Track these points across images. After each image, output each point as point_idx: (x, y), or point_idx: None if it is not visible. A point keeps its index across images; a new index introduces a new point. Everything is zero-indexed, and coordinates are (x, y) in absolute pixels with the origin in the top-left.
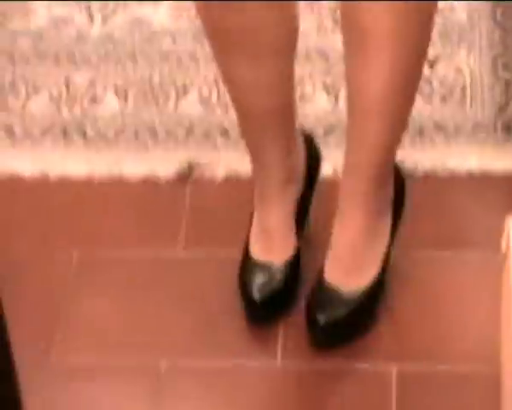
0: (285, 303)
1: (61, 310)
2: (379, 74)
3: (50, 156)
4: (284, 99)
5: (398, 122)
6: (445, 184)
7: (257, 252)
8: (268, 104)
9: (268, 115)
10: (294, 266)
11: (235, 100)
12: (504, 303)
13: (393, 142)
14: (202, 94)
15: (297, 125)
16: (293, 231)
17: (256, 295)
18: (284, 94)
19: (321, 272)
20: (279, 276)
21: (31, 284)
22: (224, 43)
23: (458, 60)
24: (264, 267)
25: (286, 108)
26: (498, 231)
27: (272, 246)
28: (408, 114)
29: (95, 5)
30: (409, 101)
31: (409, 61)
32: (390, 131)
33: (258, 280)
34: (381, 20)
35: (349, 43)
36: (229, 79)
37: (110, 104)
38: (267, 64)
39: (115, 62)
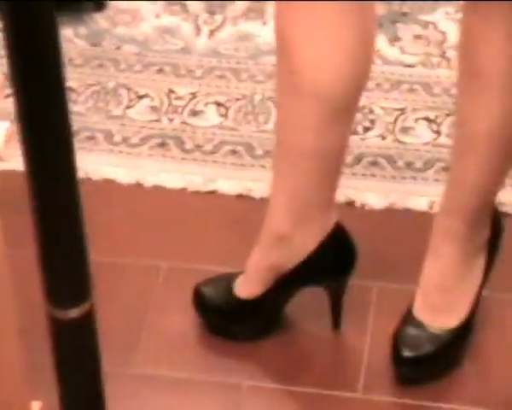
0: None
1: (146, 319)
2: (488, 113)
3: (147, 165)
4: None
5: (502, 164)
6: None
7: None
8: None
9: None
10: None
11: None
12: None
13: (496, 184)
14: None
15: None
16: None
17: None
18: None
19: (410, 307)
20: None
21: (120, 289)
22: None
23: None
24: None
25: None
26: None
27: None
28: (510, 166)
29: (202, 17)
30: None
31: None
32: (494, 172)
33: None
34: (497, 60)
35: (463, 80)
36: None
37: (210, 118)
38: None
39: (219, 77)
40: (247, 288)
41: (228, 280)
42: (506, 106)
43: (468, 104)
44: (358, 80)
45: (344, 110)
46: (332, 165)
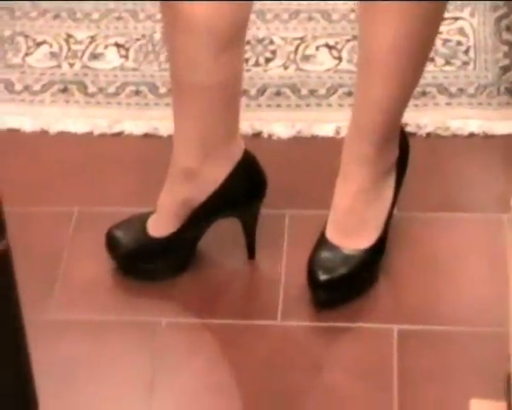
0: None
1: (60, 267)
2: (388, 28)
3: (50, 112)
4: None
5: (406, 81)
6: (447, 145)
7: None
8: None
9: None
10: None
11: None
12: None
13: (399, 104)
14: None
15: None
16: None
17: None
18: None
19: (323, 231)
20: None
21: (32, 237)
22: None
23: (462, 21)
24: None
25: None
26: (498, 192)
27: None
28: (415, 79)
29: None
30: (416, 65)
31: (415, 23)
32: (398, 89)
33: None
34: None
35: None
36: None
37: (111, 60)
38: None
39: (116, 18)
40: (160, 227)
41: (141, 221)
42: (406, 20)
43: (368, 22)
44: (239, 12)
45: (229, 41)
46: (229, 96)
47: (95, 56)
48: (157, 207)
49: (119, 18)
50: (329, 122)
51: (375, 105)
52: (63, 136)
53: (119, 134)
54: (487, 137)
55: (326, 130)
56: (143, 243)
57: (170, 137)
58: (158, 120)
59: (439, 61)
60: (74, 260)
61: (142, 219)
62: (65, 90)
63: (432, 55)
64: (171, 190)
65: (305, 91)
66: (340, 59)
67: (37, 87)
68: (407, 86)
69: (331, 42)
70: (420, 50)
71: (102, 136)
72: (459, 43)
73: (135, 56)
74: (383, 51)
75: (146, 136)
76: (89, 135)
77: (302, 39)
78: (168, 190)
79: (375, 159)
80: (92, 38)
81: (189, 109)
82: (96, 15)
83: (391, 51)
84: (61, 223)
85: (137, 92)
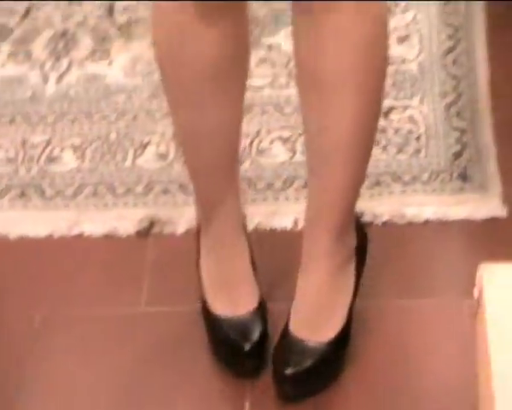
0: (263, 352)
1: (24, 371)
2: (336, 122)
3: (9, 217)
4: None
5: (356, 171)
6: (404, 232)
7: (220, 308)
8: (219, 150)
9: (219, 160)
10: (263, 314)
11: (187, 151)
12: (480, 350)
13: (353, 191)
14: (160, 150)
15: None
16: (255, 279)
17: (239, 351)
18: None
19: (286, 324)
20: (252, 328)
21: None
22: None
23: (412, 109)
24: (234, 324)
25: (235, 153)
26: (457, 276)
27: (237, 298)
28: (365, 163)
29: (48, 64)
30: (365, 150)
31: (364, 109)
32: (348, 182)
33: (235, 337)
34: (338, 68)
35: (306, 93)
36: (183, 126)
37: (68, 163)
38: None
39: (71, 121)
40: None
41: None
42: (349, 113)
43: (312, 117)
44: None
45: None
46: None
47: (51, 159)
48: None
49: (73, 120)
50: (287, 215)
51: (328, 193)
52: (23, 240)
53: (79, 236)
54: (443, 223)
55: (284, 222)
56: None
57: (129, 237)
58: (117, 219)
59: (392, 149)
60: (37, 364)
61: None
62: (22, 194)
63: (384, 143)
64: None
65: (261, 185)
66: (294, 151)
67: None
68: (359, 170)
69: (285, 135)
70: (368, 136)
71: (62, 238)
72: (410, 131)
73: (91, 157)
74: (330, 144)
75: (106, 237)
76: (49, 238)
77: (257, 133)
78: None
79: (333, 248)
80: (48, 142)
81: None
82: (51, 118)
83: (338, 144)
84: (24, 328)
85: (95, 193)
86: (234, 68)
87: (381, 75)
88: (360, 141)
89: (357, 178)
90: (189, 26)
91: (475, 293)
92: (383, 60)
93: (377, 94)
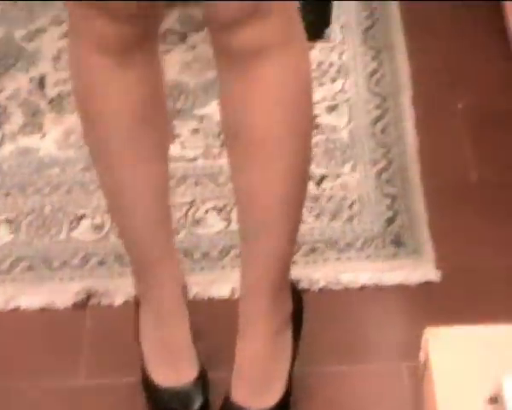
0: None
1: None
2: (265, 183)
3: None
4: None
5: (287, 237)
6: (340, 298)
7: (161, 378)
8: (148, 212)
9: (150, 224)
10: (205, 383)
11: (117, 216)
12: None
13: (285, 257)
14: (95, 222)
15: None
16: (195, 348)
17: None
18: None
19: (227, 392)
20: (193, 397)
21: None
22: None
23: (344, 177)
24: (175, 393)
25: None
26: (394, 340)
27: (178, 367)
28: (297, 226)
29: None
30: (296, 213)
31: (293, 169)
32: (280, 246)
33: (176, 407)
34: (264, 123)
35: (233, 154)
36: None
37: (2, 237)
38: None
39: (5, 194)
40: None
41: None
42: (277, 173)
43: (240, 180)
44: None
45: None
46: None
47: None
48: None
49: (7, 194)
50: (224, 283)
51: (261, 259)
52: None
53: (16, 310)
54: (378, 288)
55: (222, 291)
56: None
57: (66, 309)
58: (53, 292)
59: (325, 217)
60: None
61: None
62: None
63: (318, 211)
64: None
65: (197, 255)
66: (229, 220)
67: None
68: (290, 234)
69: (220, 204)
70: (298, 199)
71: None
72: (343, 198)
73: (26, 231)
74: (260, 211)
75: (43, 310)
76: None
77: (191, 204)
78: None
79: (270, 314)
80: None
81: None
82: None
83: (269, 204)
84: None
85: (31, 267)
86: (152, 112)
87: (308, 130)
88: (293, 203)
89: (290, 241)
90: (103, 72)
91: (421, 356)
92: (310, 113)
93: (304, 152)
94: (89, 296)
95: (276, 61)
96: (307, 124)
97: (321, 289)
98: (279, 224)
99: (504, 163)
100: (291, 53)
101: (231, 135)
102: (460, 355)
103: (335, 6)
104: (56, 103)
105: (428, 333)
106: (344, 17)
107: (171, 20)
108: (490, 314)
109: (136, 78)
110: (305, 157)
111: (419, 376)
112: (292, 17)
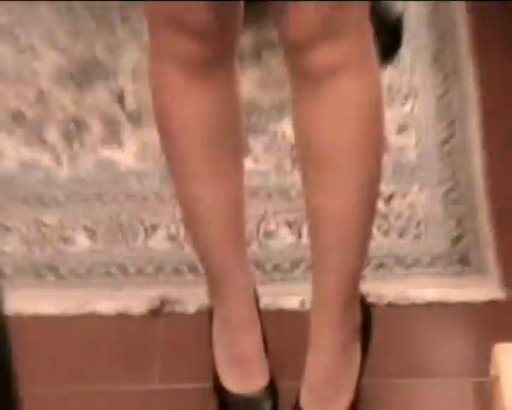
0: None
1: None
2: (336, 201)
3: (23, 295)
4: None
5: (358, 250)
6: (408, 313)
7: (232, 384)
8: (222, 224)
9: (224, 236)
10: (274, 391)
11: (192, 228)
12: None
13: (355, 271)
14: (170, 231)
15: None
16: (266, 356)
17: None
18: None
19: (296, 401)
20: (262, 405)
21: None
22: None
23: (411, 196)
24: (245, 400)
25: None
26: (458, 357)
27: (248, 374)
28: (367, 242)
29: (60, 147)
30: (365, 230)
31: (365, 190)
32: (351, 260)
33: None
34: (336, 139)
35: (305, 168)
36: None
37: (80, 243)
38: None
39: (84, 202)
40: None
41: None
42: (349, 190)
43: (312, 195)
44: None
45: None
46: None
47: (64, 240)
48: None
49: (85, 202)
50: (294, 295)
51: (332, 274)
52: (37, 318)
53: (92, 314)
54: (444, 305)
55: (291, 303)
56: None
57: (141, 315)
58: (128, 299)
59: (394, 234)
60: None
61: None
62: (37, 273)
63: (386, 228)
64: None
65: (268, 267)
66: (300, 234)
67: (8, 271)
68: (360, 248)
69: (291, 218)
70: (368, 214)
71: (75, 317)
72: (411, 216)
73: (103, 238)
74: (334, 220)
75: (118, 315)
76: (62, 316)
77: (263, 216)
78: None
79: (339, 326)
80: (60, 222)
81: None
82: (63, 200)
83: (341, 219)
84: (39, 404)
85: (107, 273)
86: (228, 129)
87: (378, 149)
88: (362, 221)
89: (360, 257)
90: (182, 88)
91: (492, 371)
92: (380, 132)
93: (376, 173)
94: (163, 303)
95: (348, 81)
96: (377, 143)
97: (389, 304)
98: (350, 239)
99: None
100: (363, 74)
101: (303, 151)
102: None
103: (406, 30)
104: (135, 116)
105: (499, 348)
106: (414, 41)
107: (247, 39)
108: None
109: (214, 95)
110: (374, 175)
111: (488, 390)
112: (364, 39)
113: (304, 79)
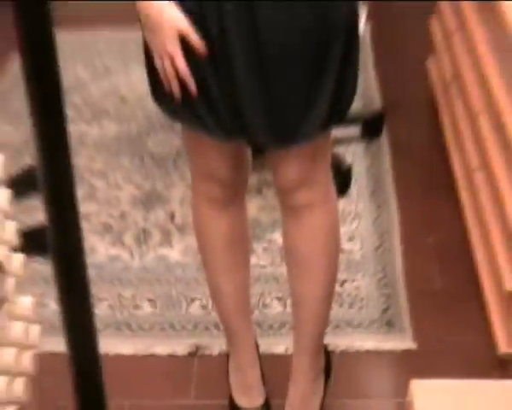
0: None
1: None
2: (310, 287)
3: (109, 342)
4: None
5: (323, 317)
6: (353, 358)
7: (241, 402)
8: (236, 300)
9: (237, 307)
10: (269, 407)
11: (217, 301)
12: None
13: (321, 330)
14: (202, 302)
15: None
16: (263, 383)
17: None
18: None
19: None
20: None
21: None
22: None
23: (357, 282)
24: None
25: (248, 302)
26: (387, 385)
27: (252, 396)
28: (329, 312)
29: (134, 247)
30: (328, 304)
31: (328, 280)
32: (319, 324)
33: None
34: (311, 249)
35: (290, 268)
36: (215, 290)
37: (145, 309)
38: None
39: (148, 283)
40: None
41: None
42: (319, 281)
43: (294, 284)
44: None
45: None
46: None
47: (135, 306)
48: None
49: (149, 284)
50: (281, 345)
51: (307, 330)
52: (118, 357)
53: (152, 355)
54: (378, 352)
55: (279, 350)
56: None
57: (183, 355)
58: (175, 345)
59: (345, 306)
60: None
61: None
62: (118, 328)
63: (340, 302)
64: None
65: (265, 326)
66: (285, 306)
67: (100, 326)
68: (325, 316)
69: (280, 295)
70: (330, 294)
71: (142, 356)
72: (356, 295)
73: (160, 306)
74: (308, 299)
75: (169, 355)
76: (134, 356)
77: (261, 294)
78: None
79: (311, 366)
80: (133, 295)
81: None
82: (136, 282)
83: (312, 299)
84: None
85: (162, 328)
86: (240, 238)
87: (337, 254)
88: (326, 299)
89: (324, 321)
90: (210, 213)
91: (408, 397)
92: (338, 243)
93: (335, 268)
94: (197, 348)
95: (317, 211)
96: (336, 249)
97: (341, 352)
98: (318, 311)
99: (463, 279)
100: (327, 206)
101: (288, 254)
102: (438, 401)
103: (353, 175)
104: (181, 228)
105: (412, 382)
106: (358, 183)
107: (253, 179)
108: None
109: (230, 219)
110: (334, 269)
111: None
112: (328, 184)
113: (288, 209)
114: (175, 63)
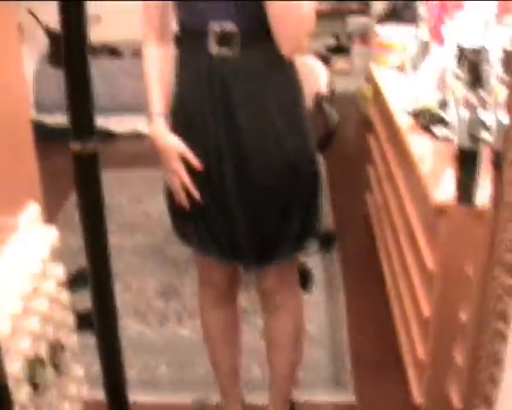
0: None
1: None
2: (281, 362)
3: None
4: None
5: (291, 380)
6: (310, 408)
7: None
8: (229, 367)
9: (229, 372)
10: None
11: (214, 371)
12: None
13: (289, 389)
14: (205, 366)
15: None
16: None
17: None
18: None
19: None
20: None
21: None
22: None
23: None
24: None
25: (237, 363)
26: None
27: None
28: (295, 375)
29: (156, 328)
30: (295, 371)
31: (295, 355)
32: (287, 384)
33: None
34: (282, 333)
35: (268, 348)
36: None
37: (163, 370)
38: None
39: (167, 352)
40: None
41: None
42: (287, 358)
43: (270, 360)
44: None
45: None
46: None
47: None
48: None
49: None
50: (261, 397)
51: (278, 389)
52: (144, 405)
53: (169, 404)
54: (326, 404)
55: (258, 401)
56: None
57: (187, 405)
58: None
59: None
60: None
61: None
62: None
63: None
64: None
65: (248, 387)
66: (264, 373)
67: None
68: (293, 378)
69: (261, 367)
70: (296, 365)
71: (166, 405)
72: (315, 365)
73: (167, 370)
74: (280, 367)
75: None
76: (155, 405)
77: (249, 367)
78: None
79: None
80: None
81: None
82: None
83: (284, 367)
84: None
85: (174, 390)
86: (233, 325)
87: (301, 335)
88: (292, 370)
89: (292, 382)
90: (210, 306)
91: None
92: (303, 327)
93: (301, 345)
94: (202, 403)
95: (289, 306)
96: (301, 334)
97: (302, 403)
98: (287, 375)
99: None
100: (295, 303)
101: (265, 335)
102: None
103: (313, 279)
104: (191, 314)
105: None
106: (316, 286)
107: (243, 284)
108: None
109: (226, 309)
110: (299, 348)
111: None
112: (295, 287)
113: (266, 304)
114: (180, 177)
